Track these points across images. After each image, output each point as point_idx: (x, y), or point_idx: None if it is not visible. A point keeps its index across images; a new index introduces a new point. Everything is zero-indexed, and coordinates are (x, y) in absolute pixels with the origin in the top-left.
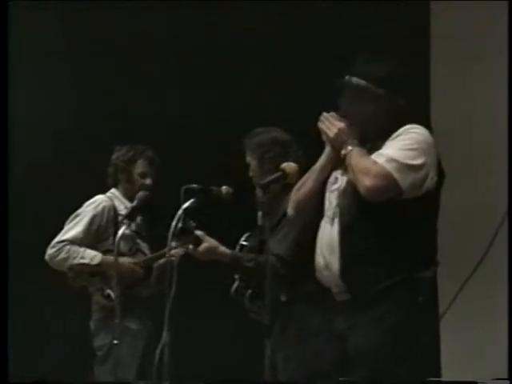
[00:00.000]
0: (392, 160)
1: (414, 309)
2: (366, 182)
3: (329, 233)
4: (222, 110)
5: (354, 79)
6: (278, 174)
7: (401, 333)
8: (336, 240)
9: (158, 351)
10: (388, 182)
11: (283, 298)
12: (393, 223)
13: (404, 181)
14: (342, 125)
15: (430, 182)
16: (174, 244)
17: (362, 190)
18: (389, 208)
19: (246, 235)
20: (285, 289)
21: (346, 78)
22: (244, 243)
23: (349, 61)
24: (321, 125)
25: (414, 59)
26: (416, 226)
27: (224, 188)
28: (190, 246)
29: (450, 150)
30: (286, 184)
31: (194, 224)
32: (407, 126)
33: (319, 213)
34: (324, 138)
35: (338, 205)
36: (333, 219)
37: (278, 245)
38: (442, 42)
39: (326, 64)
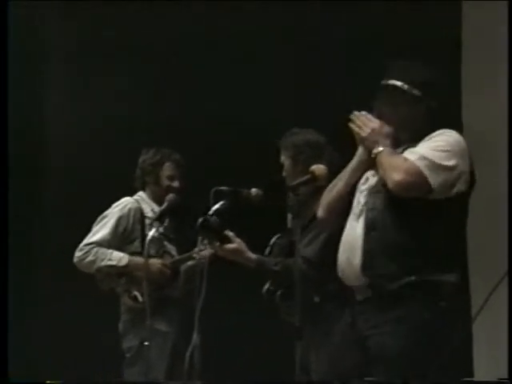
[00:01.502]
0: (423, 158)
1: (435, 313)
2: (395, 177)
3: (353, 229)
4: (252, 110)
5: (392, 81)
6: (308, 176)
7: (421, 335)
8: (360, 235)
9: (188, 353)
10: (417, 179)
11: (317, 299)
12: (419, 223)
13: (434, 179)
14: (375, 125)
15: (462, 185)
16: (202, 247)
17: (390, 184)
18: (416, 207)
19: (276, 236)
20: (316, 290)
21: (383, 80)
22: (276, 241)
23: (380, 62)
24: (352, 124)
25: (444, 61)
26: (443, 229)
27: (254, 190)
28: (218, 244)
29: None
30: (317, 186)
31: (220, 222)
32: (441, 130)
33: (347, 215)
34: (356, 137)
35: (366, 203)
36: (359, 216)
37: (307, 247)
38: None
39: (353, 65)
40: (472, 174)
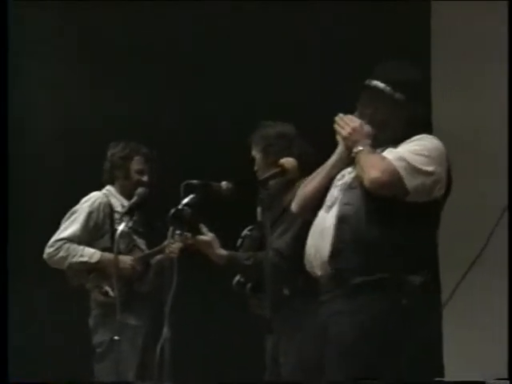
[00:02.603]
0: (401, 159)
1: (395, 309)
2: (371, 174)
3: (324, 219)
4: (224, 105)
5: (374, 82)
6: (277, 169)
7: (376, 329)
8: (330, 227)
9: (158, 347)
10: (393, 179)
11: (286, 292)
12: (391, 222)
13: (410, 182)
14: (355, 125)
15: (438, 191)
16: (172, 240)
17: (366, 181)
18: (390, 207)
19: (248, 228)
20: (286, 283)
21: (366, 81)
22: (247, 232)
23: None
24: (335, 125)
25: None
26: (414, 231)
27: (224, 183)
28: (189, 235)
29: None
30: (287, 179)
31: (192, 213)
32: (420, 135)
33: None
34: (338, 137)
35: (340, 197)
36: (330, 207)
37: (278, 240)
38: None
39: (330, 65)
40: (449, 181)
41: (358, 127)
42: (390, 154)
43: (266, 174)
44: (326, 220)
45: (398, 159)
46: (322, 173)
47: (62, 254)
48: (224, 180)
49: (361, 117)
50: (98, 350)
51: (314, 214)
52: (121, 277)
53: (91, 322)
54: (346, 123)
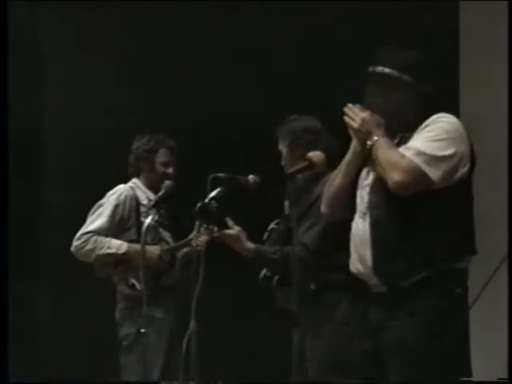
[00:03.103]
0: (420, 153)
1: (452, 300)
2: (394, 177)
3: (361, 228)
4: (252, 98)
5: (379, 68)
6: (304, 163)
7: (437, 325)
8: (366, 234)
9: (185, 340)
10: (417, 176)
11: (313, 287)
12: (425, 214)
13: (434, 173)
14: (365, 115)
15: (462, 170)
16: (199, 233)
17: (390, 184)
18: (420, 199)
19: (275, 222)
20: (313, 278)
21: (371, 67)
22: (273, 227)
23: (373, 52)
24: (345, 117)
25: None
26: (449, 216)
27: (251, 177)
28: (216, 229)
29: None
30: (314, 173)
31: (219, 208)
32: (435, 116)
33: (351, 209)
34: (349, 130)
35: (369, 200)
36: (365, 214)
37: (305, 234)
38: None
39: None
40: (472, 154)
41: (368, 117)
42: (407, 150)
43: (294, 168)
44: (362, 228)
45: (417, 154)
46: (340, 172)
47: (89, 246)
48: (251, 174)
49: (369, 106)
50: (125, 343)
51: (344, 214)
52: (147, 269)
53: (117, 315)
54: (356, 114)
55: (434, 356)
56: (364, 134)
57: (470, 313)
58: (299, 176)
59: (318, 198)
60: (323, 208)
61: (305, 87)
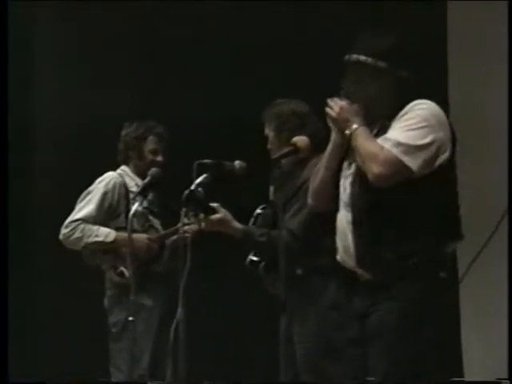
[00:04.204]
0: (398, 144)
1: (437, 285)
2: (373, 170)
3: (344, 219)
4: (237, 82)
5: (354, 56)
6: (289, 148)
7: (421, 310)
8: (349, 225)
9: (172, 327)
10: (396, 167)
11: (299, 272)
12: (408, 202)
13: (413, 162)
14: (343, 103)
15: (443, 156)
16: (186, 220)
17: (370, 177)
18: (402, 187)
19: (261, 207)
20: (299, 263)
21: (346, 55)
22: (259, 211)
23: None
24: (326, 108)
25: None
26: (433, 203)
27: (237, 163)
28: (202, 216)
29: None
30: (300, 158)
31: (206, 194)
32: (413, 103)
33: (337, 200)
34: (328, 121)
35: (351, 191)
36: (348, 205)
37: (291, 220)
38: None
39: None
40: (453, 139)
41: (346, 106)
42: (385, 141)
43: (279, 153)
44: (345, 219)
45: (395, 145)
46: (323, 163)
47: (77, 234)
48: (237, 159)
49: (347, 95)
50: (114, 330)
51: (330, 205)
52: (136, 256)
53: (106, 302)
54: (334, 103)
55: (419, 342)
56: (342, 123)
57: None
58: (284, 161)
59: (304, 182)
60: (309, 200)
61: (292, 73)
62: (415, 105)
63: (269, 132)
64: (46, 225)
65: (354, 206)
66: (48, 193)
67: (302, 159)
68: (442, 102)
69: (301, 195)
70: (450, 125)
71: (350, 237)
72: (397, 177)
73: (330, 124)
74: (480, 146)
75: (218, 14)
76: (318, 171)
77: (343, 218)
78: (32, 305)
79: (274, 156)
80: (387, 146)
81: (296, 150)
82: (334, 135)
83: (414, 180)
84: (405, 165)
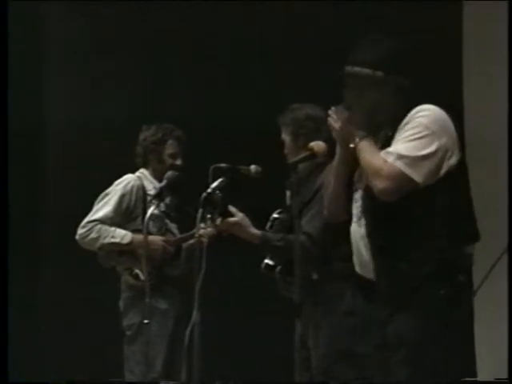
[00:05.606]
0: (401, 156)
1: (454, 289)
2: (378, 185)
3: (358, 233)
4: (253, 87)
5: (351, 68)
6: (306, 153)
7: (440, 317)
8: (363, 239)
9: (188, 331)
10: (401, 181)
11: (315, 277)
12: (420, 210)
13: (418, 173)
14: (345, 116)
15: (449, 161)
16: (203, 224)
17: (375, 191)
18: (414, 196)
19: (277, 211)
20: (316, 267)
21: (345, 68)
22: (276, 216)
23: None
24: (328, 119)
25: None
26: (446, 207)
27: (253, 167)
28: (220, 219)
29: None
30: (317, 163)
31: (223, 198)
32: (414, 111)
33: (350, 211)
34: (332, 133)
35: (362, 204)
36: (360, 218)
37: (309, 224)
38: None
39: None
40: (461, 141)
41: (348, 118)
42: (388, 155)
43: (296, 158)
44: (358, 232)
45: (398, 158)
46: (332, 175)
47: (93, 235)
48: (254, 163)
49: (348, 106)
50: (128, 333)
51: (343, 216)
52: (151, 259)
53: (121, 304)
54: (336, 116)
55: (438, 348)
56: (346, 135)
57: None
58: (301, 166)
59: (321, 187)
60: (326, 213)
61: (307, 77)
62: (416, 112)
63: (285, 137)
64: (58, 225)
65: (365, 218)
66: (59, 194)
67: (319, 164)
68: (456, 105)
69: (317, 200)
70: (457, 128)
71: (365, 250)
72: (402, 190)
73: (334, 136)
74: (495, 148)
75: (243, 17)
76: (329, 183)
77: (356, 231)
78: (32, 304)
79: (291, 161)
80: (390, 159)
81: (313, 154)
82: (338, 148)
83: (424, 188)
84: (409, 177)
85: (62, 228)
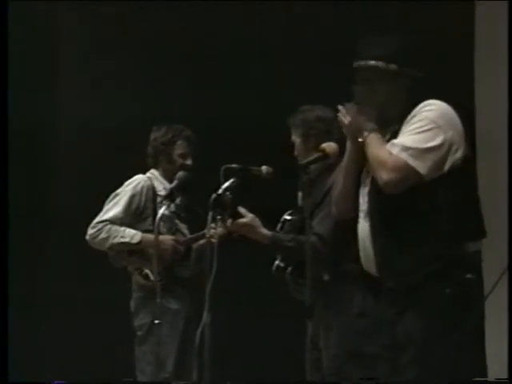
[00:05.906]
0: (406, 148)
1: (462, 288)
2: (383, 176)
3: (364, 229)
4: (263, 88)
5: (363, 61)
6: (318, 154)
7: (449, 316)
8: (369, 236)
9: (198, 331)
10: (406, 173)
11: (326, 278)
12: (426, 206)
13: (423, 166)
14: (354, 111)
15: (455, 155)
16: (213, 225)
17: (380, 184)
18: (419, 191)
19: (288, 212)
20: (327, 268)
21: (355, 62)
22: (287, 217)
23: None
24: (339, 115)
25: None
26: (452, 203)
27: (264, 168)
28: (230, 220)
29: None
30: (328, 164)
31: (233, 199)
32: (421, 105)
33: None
34: (343, 130)
35: (368, 200)
36: (366, 214)
37: (320, 224)
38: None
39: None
40: (468, 135)
41: (357, 113)
42: (393, 147)
43: (307, 159)
44: (364, 229)
45: (403, 149)
46: (341, 173)
47: (103, 235)
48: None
49: (359, 100)
50: (139, 333)
51: (351, 214)
52: (161, 259)
53: (132, 304)
54: (346, 111)
55: (446, 347)
56: (355, 130)
57: None
58: (312, 167)
59: (331, 188)
60: (333, 209)
61: (317, 77)
62: (423, 106)
63: (295, 138)
64: (58, 225)
65: (371, 214)
66: (59, 194)
67: (330, 165)
68: (467, 102)
69: (328, 201)
70: (464, 123)
71: (369, 246)
72: (406, 182)
73: (344, 131)
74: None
75: (243, 17)
76: (337, 183)
77: (362, 227)
78: (32, 304)
79: (304, 162)
80: (395, 151)
81: (325, 155)
82: (348, 143)
83: (430, 183)
84: (414, 169)
85: (62, 228)
